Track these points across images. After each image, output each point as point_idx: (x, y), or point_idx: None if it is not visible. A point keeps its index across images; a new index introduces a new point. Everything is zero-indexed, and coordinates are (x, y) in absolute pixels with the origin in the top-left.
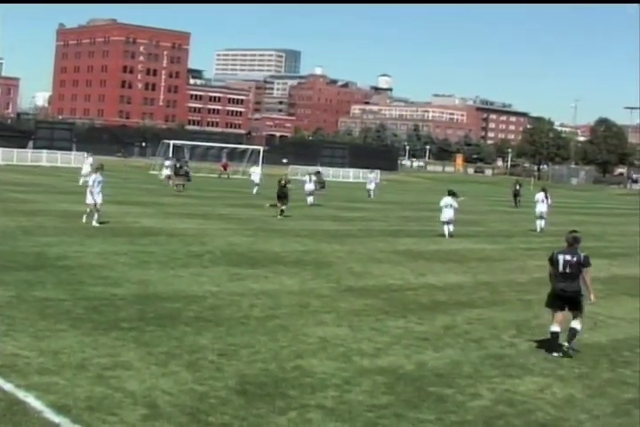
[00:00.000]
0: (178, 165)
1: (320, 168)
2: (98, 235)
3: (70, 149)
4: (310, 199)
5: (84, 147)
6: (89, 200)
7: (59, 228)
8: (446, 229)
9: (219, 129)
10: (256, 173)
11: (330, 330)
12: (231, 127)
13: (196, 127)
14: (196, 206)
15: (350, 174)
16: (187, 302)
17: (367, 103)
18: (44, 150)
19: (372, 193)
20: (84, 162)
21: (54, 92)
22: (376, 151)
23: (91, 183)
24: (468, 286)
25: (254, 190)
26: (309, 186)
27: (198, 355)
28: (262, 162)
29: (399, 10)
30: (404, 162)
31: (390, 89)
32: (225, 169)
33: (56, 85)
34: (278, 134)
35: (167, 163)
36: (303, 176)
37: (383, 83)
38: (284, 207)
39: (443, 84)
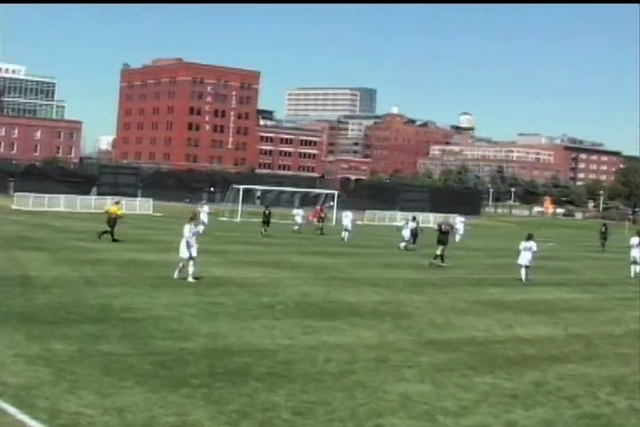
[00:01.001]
0: (266, 212)
1: (408, 214)
2: (164, 286)
3: (135, 195)
4: (402, 245)
5: (149, 193)
6: (184, 253)
7: (124, 278)
8: (523, 273)
9: (290, 172)
10: (348, 217)
11: (411, 386)
12: (304, 170)
13: (266, 171)
14: (267, 254)
15: (430, 219)
16: (258, 357)
17: (448, 143)
18: (109, 197)
19: (458, 238)
20: (200, 211)
21: (118, 136)
22: (458, 194)
23: (188, 234)
24: (559, 338)
25: (345, 236)
26: (407, 232)
27: (271, 413)
28: (337, 207)
29: (478, 47)
30: (487, 206)
31: (472, 128)
32: (320, 218)
33: (120, 128)
34: (354, 177)
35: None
36: (383, 221)
37: (464, 122)
38: (438, 251)
39: (528, 122)
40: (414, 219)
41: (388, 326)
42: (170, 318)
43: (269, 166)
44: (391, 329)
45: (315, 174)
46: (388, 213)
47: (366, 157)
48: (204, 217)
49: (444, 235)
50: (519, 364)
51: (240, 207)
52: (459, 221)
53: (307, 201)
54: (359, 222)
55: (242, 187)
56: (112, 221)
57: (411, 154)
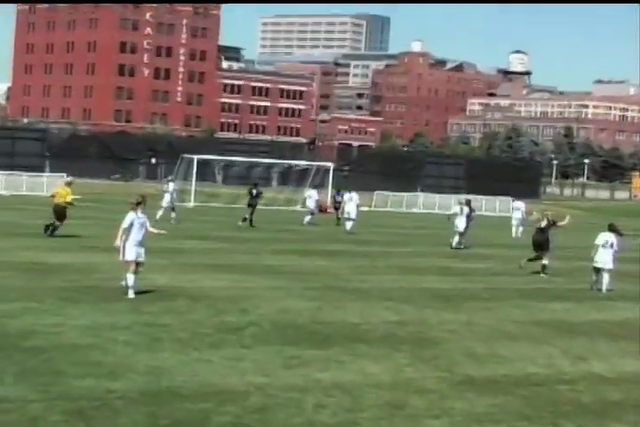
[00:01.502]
0: (254, 193)
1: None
2: (84, 300)
3: (42, 169)
4: (456, 240)
5: (61, 165)
6: (129, 255)
7: (25, 289)
8: (605, 280)
9: (266, 137)
10: (352, 201)
11: None
12: (285, 134)
13: (231, 135)
14: (234, 254)
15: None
16: (220, 402)
17: (492, 95)
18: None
19: (516, 231)
20: (166, 190)
21: (14, 83)
22: (506, 169)
23: (125, 225)
24: None
25: (348, 226)
26: (461, 222)
27: None
28: (332, 185)
29: None
30: (549, 185)
31: (527, 73)
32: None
33: (17, 73)
34: (357, 144)
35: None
36: (399, 207)
37: (516, 64)
38: (545, 262)
39: (608, 65)
40: (469, 203)
41: (406, 357)
42: (91, 347)
43: (236, 128)
44: (410, 362)
45: (301, 139)
46: (405, 196)
47: (375, 114)
48: (165, 200)
49: (543, 234)
50: (597, 414)
51: (194, 187)
52: (517, 208)
53: (289, 178)
54: (364, 209)
55: (196, 157)
56: (60, 211)
57: (439, 110)
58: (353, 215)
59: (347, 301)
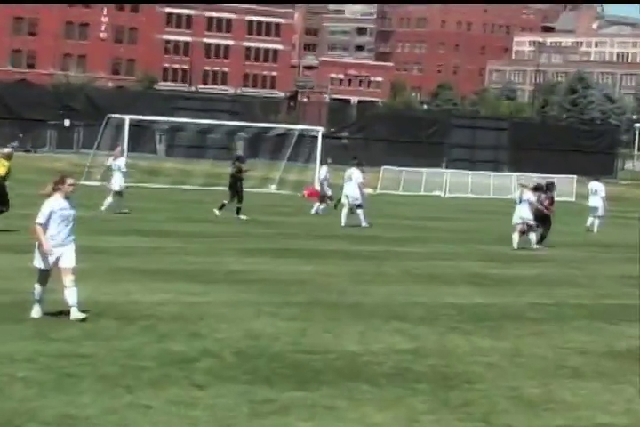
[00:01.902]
0: (237, 169)
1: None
2: None
3: None
4: (533, 238)
5: None
6: (39, 262)
7: None
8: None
9: (228, 89)
10: (354, 178)
11: None
12: (255, 86)
13: (178, 86)
14: (181, 255)
15: (511, 183)
16: None
17: (549, 30)
18: None
19: (592, 223)
20: (114, 167)
21: None
22: (569, 135)
23: (42, 219)
24: None
25: (344, 218)
26: (522, 212)
27: None
28: (320, 158)
29: None
30: (631, 158)
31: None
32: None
33: None
34: (356, 99)
35: (117, 162)
36: (416, 190)
37: None
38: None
39: None
40: (550, 187)
41: (425, 401)
42: None
43: (184, 78)
44: (430, 408)
45: (277, 93)
46: (424, 174)
47: (382, 57)
48: (116, 182)
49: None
50: None
51: (124, 159)
52: (595, 192)
53: (259, 148)
54: (368, 192)
55: (128, 118)
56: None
57: (472, 52)
58: (359, 199)
59: (341, 321)
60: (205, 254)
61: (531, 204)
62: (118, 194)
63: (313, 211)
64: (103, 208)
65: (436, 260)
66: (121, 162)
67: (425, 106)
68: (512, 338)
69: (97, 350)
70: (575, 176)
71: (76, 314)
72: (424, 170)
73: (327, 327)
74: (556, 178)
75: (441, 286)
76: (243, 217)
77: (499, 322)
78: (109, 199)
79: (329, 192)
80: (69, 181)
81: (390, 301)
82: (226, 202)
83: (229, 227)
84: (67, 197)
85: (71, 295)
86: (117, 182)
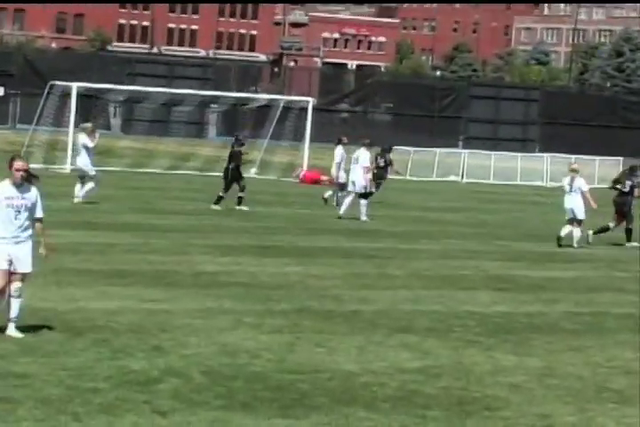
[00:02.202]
0: (236, 149)
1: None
2: None
3: None
4: (577, 235)
5: None
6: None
7: None
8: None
9: (198, 52)
10: (359, 162)
11: None
12: (231, 47)
13: (138, 47)
14: (141, 253)
15: (545, 170)
16: None
17: None
18: None
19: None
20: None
21: None
22: (614, 107)
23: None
24: None
25: (343, 208)
26: (571, 201)
27: None
28: (311, 135)
29: None
30: None
31: None
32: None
33: None
34: (353, 63)
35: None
36: (427, 175)
37: None
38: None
39: None
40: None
41: None
42: None
43: (144, 37)
44: None
45: (258, 56)
46: (437, 154)
47: (384, 13)
48: (82, 161)
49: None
50: None
51: (71, 137)
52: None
53: (236, 122)
54: (398, 177)
55: (75, 86)
56: None
57: (495, 7)
58: (365, 187)
59: (336, 334)
60: (169, 253)
61: (583, 193)
62: (90, 179)
63: (334, 203)
64: (76, 199)
65: (451, 259)
66: (87, 141)
67: (438, 72)
68: (542, 354)
69: (37, 369)
70: (621, 158)
71: (13, 331)
72: (437, 150)
73: (318, 341)
74: (597, 160)
75: (456, 291)
76: (244, 208)
77: (525, 335)
78: (88, 185)
79: (342, 179)
80: (17, 164)
81: (394, 309)
82: (222, 194)
83: (200, 219)
84: (20, 184)
85: (15, 307)
86: (82, 161)
